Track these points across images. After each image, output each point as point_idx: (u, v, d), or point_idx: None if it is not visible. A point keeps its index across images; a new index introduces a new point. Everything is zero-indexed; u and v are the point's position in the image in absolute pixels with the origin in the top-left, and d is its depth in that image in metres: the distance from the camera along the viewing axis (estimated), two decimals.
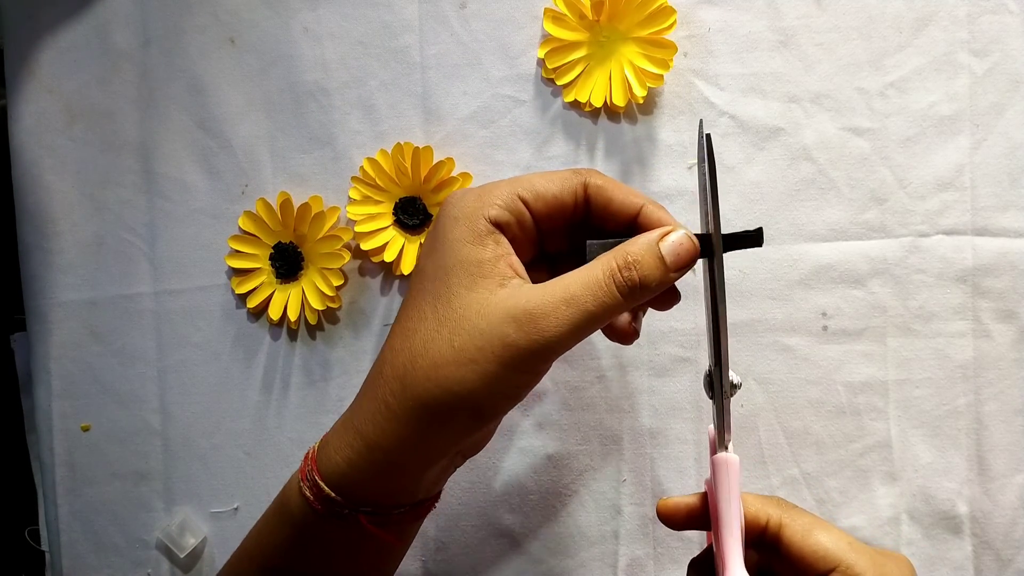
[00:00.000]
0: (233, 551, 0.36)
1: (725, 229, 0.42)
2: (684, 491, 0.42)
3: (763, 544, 0.33)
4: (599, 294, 0.30)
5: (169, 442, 0.45)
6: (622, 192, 0.33)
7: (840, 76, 0.42)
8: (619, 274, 0.31)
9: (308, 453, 0.34)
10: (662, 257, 0.31)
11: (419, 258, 0.34)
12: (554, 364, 0.32)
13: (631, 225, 0.33)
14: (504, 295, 0.31)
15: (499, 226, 0.32)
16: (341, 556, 0.34)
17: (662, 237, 0.31)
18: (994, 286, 0.41)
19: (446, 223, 0.32)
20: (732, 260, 0.42)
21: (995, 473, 0.41)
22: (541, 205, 0.33)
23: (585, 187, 0.33)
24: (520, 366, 0.30)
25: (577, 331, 0.30)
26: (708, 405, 0.42)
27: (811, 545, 0.32)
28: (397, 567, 0.37)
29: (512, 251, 0.32)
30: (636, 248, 0.31)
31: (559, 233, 0.34)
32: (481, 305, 0.31)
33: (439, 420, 0.31)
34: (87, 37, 0.45)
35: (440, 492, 0.36)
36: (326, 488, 0.32)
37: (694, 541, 0.42)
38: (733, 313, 0.42)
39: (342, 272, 0.43)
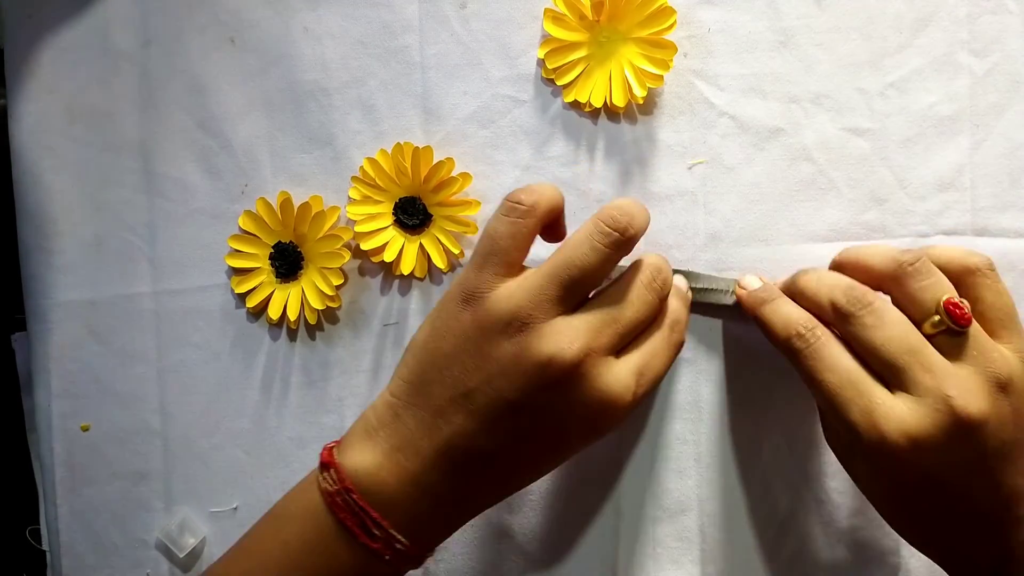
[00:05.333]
0: None
1: (727, 230, 0.42)
2: (684, 491, 0.42)
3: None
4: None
5: (169, 442, 0.45)
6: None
7: (840, 76, 0.42)
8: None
9: (371, 516, 0.34)
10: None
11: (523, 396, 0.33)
12: None
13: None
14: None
15: None
16: None
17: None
18: None
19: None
20: (731, 262, 0.42)
21: None
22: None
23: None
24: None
25: None
26: (708, 405, 0.42)
27: None
28: None
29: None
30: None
31: None
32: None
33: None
34: (87, 37, 0.45)
35: None
36: (405, 542, 0.34)
37: (694, 542, 0.42)
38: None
39: (342, 272, 0.43)
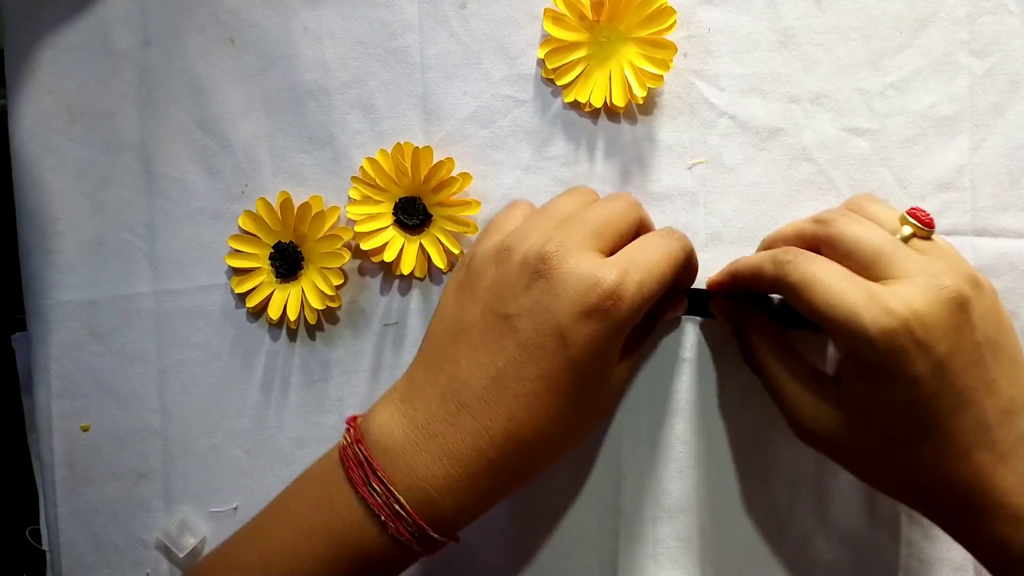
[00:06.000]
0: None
1: (727, 230, 0.42)
2: (684, 491, 0.42)
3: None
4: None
5: (169, 442, 0.45)
6: None
7: (840, 76, 0.42)
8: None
9: (404, 508, 0.32)
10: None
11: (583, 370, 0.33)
12: None
13: None
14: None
15: None
16: None
17: None
18: (994, 286, 0.41)
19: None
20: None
21: None
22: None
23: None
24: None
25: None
26: (708, 405, 0.42)
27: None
28: None
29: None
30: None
31: None
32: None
33: None
34: (87, 37, 0.45)
35: None
36: (436, 536, 0.33)
37: (694, 542, 0.42)
38: None
39: (342, 271, 0.43)
